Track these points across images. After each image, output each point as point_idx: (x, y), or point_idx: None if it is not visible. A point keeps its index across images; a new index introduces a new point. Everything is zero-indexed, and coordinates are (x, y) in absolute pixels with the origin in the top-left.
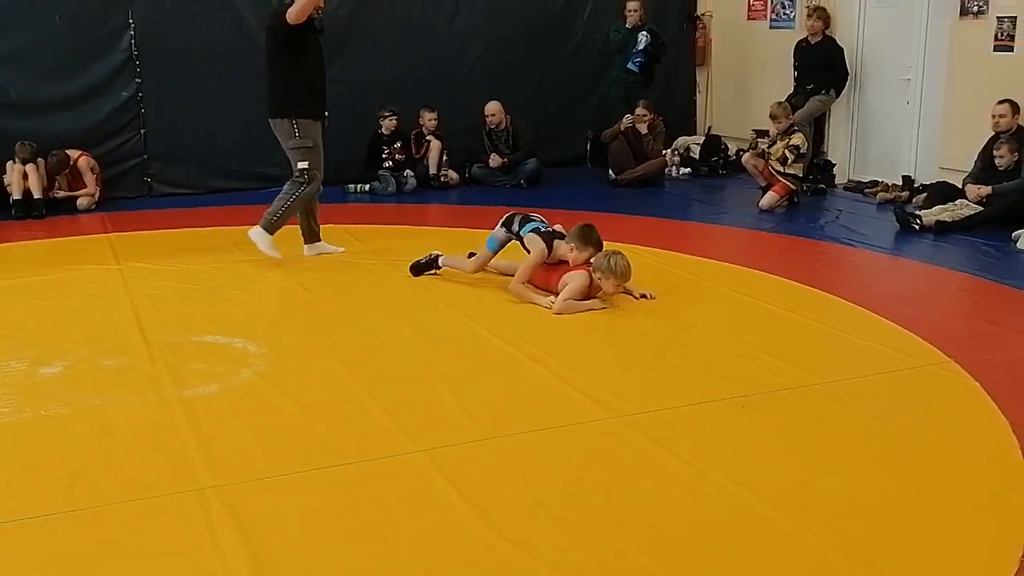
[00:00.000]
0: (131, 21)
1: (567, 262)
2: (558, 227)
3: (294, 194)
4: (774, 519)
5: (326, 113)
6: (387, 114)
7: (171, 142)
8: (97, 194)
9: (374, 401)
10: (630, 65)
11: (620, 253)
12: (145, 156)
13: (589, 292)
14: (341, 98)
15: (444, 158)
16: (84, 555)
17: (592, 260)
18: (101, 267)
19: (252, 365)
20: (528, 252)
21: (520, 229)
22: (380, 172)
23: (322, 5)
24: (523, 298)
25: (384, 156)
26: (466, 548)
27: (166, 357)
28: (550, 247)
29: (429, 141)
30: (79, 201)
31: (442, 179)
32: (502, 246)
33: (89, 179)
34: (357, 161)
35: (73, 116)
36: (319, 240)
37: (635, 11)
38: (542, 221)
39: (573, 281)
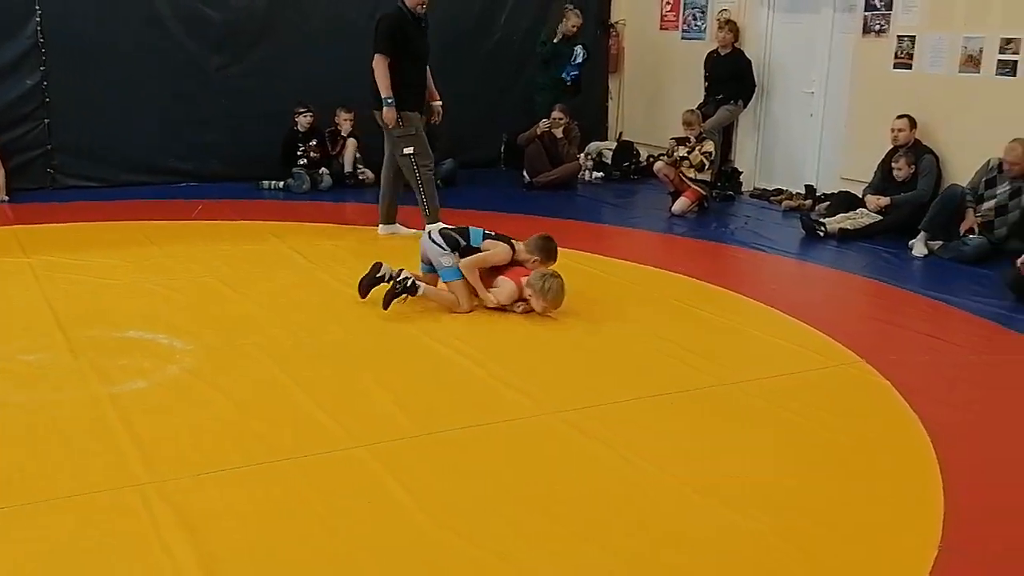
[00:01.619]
0: (37, 7)
1: (519, 267)
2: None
3: (417, 177)
4: (709, 506)
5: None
6: (303, 111)
7: (77, 133)
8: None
9: (308, 397)
10: (566, 76)
11: (558, 276)
12: (49, 146)
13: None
14: (256, 93)
15: (358, 155)
16: (26, 554)
17: (528, 277)
18: (9, 260)
19: (179, 361)
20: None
21: (471, 241)
22: (295, 169)
23: (424, 1)
24: (472, 280)
25: (299, 153)
26: (414, 541)
27: (88, 353)
28: (513, 248)
29: (344, 139)
30: None
31: (359, 177)
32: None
33: None
34: (272, 158)
35: None
36: (395, 223)
37: (577, 27)
38: (481, 229)
39: (504, 287)
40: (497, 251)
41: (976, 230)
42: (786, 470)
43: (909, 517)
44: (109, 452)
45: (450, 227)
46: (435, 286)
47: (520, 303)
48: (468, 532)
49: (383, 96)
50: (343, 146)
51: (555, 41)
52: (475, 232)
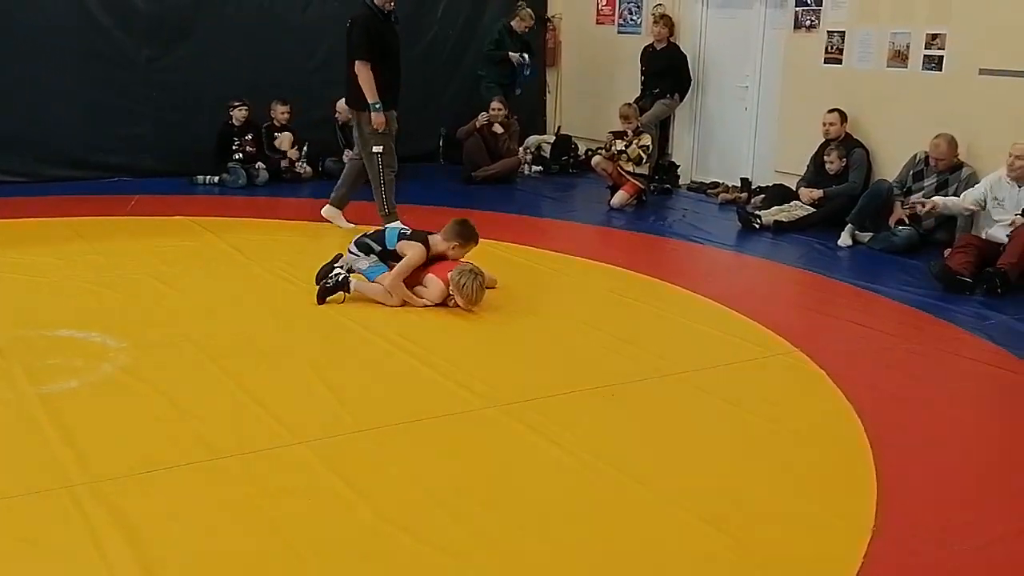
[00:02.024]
0: None
1: (443, 258)
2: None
3: (380, 176)
4: (647, 498)
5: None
6: (237, 104)
7: (2, 127)
8: None
9: (247, 394)
10: (519, 90)
11: (477, 274)
12: None
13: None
14: (188, 86)
15: (306, 149)
16: None
17: (450, 272)
18: None
19: (113, 360)
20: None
21: (386, 244)
22: (230, 164)
23: None
24: (399, 295)
25: (234, 148)
26: (358, 537)
27: (17, 352)
28: (427, 246)
29: (280, 134)
30: None
31: (296, 170)
32: (386, 266)
33: None
34: (206, 152)
35: None
36: (341, 212)
37: (529, 27)
38: (396, 228)
39: (432, 287)
40: (411, 255)
41: (906, 221)
42: (723, 460)
43: (843, 502)
44: (39, 453)
45: (367, 234)
46: None
47: (451, 298)
48: (413, 527)
49: (370, 101)
50: (284, 152)
51: (505, 49)
52: (390, 234)
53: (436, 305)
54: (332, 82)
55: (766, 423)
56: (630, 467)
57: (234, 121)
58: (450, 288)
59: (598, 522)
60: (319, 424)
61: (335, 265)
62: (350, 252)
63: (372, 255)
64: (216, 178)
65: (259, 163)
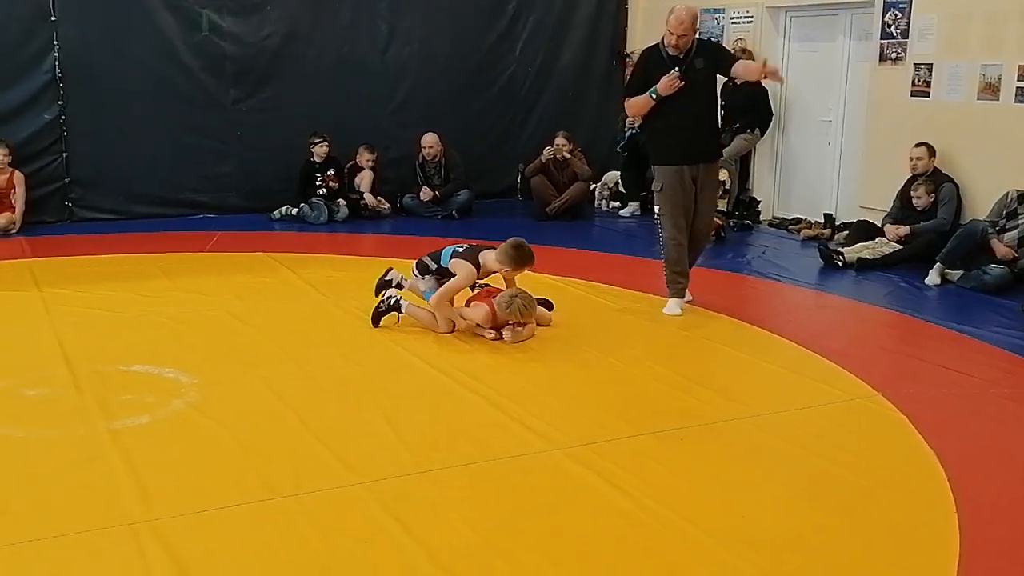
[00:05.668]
0: (55, 43)
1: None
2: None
3: (660, 239)
4: (712, 548)
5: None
6: (318, 140)
7: (94, 166)
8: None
9: (310, 432)
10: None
11: (521, 294)
12: (67, 180)
13: (495, 322)
14: (272, 127)
15: (384, 204)
16: None
17: (496, 296)
18: (21, 293)
19: (184, 396)
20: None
21: (440, 262)
22: (313, 200)
23: (675, 43)
24: (443, 313)
25: (317, 183)
26: None
27: (93, 387)
28: (477, 266)
29: (362, 168)
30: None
31: (377, 206)
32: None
33: (21, 192)
34: (288, 189)
35: None
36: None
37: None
38: (453, 246)
39: (477, 310)
40: (459, 277)
41: (1008, 258)
42: (795, 509)
43: (921, 561)
44: (104, 489)
45: (429, 253)
46: None
47: (491, 331)
48: (466, 573)
49: (648, 91)
50: (360, 177)
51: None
52: (446, 252)
53: (480, 336)
54: (411, 121)
55: (841, 471)
56: (695, 515)
57: (315, 157)
58: (498, 311)
59: (659, 571)
60: (380, 465)
61: (387, 278)
62: (413, 273)
63: (429, 276)
64: (294, 210)
65: (339, 199)
